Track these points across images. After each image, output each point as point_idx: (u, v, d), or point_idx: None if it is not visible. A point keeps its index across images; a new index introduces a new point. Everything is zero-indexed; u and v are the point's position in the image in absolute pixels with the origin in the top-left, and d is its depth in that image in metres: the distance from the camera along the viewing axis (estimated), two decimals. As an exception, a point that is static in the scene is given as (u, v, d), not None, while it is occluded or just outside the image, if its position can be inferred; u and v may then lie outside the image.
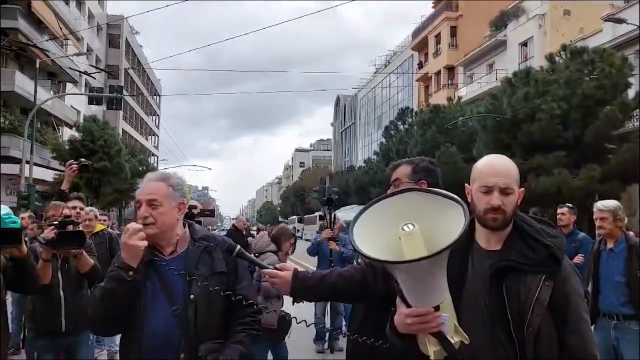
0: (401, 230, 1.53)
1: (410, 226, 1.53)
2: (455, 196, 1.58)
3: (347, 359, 2.61)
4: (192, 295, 2.11)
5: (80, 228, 3.84)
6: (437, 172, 2.49)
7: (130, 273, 2.05)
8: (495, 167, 1.80)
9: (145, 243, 2.07)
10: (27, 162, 20.93)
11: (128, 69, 46.30)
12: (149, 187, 2.19)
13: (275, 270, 2.19)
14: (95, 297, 2.13)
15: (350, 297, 2.48)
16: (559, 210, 6.03)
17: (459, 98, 31.36)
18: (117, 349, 5.90)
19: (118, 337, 2.29)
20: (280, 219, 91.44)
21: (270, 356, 4.94)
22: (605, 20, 20.59)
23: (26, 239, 3.29)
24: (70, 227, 3.25)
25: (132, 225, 2.09)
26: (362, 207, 1.70)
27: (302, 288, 2.19)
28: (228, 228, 15.15)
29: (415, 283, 1.56)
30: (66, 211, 3.82)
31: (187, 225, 2.31)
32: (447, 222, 1.51)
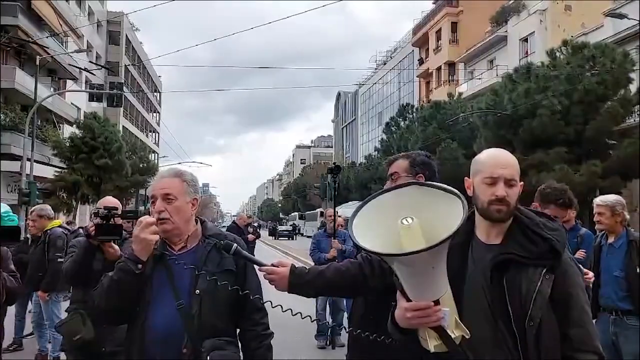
0: (400, 224, 1.53)
1: (409, 219, 1.53)
2: (454, 189, 1.59)
3: (348, 353, 2.62)
4: (197, 291, 2.11)
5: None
6: (434, 165, 2.50)
7: (139, 266, 2.06)
8: (499, 158, 1.82)
9: (156, 237, 2.08)
10: (28, 160, 20.91)
11: (128, 65, 46.26)
12: (164, 183, 2.22)
13: (272, 267, 2.20)
14: (103, 287, 2.13)
15: (347, 291, 2.49)
16: (560, 206, 6.02)
17: (460, 94, 31.34)
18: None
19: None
20: (281, 215, 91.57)
21: None
22: (606, 16, 20.55)
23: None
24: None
25: (145, 219, 2.09)
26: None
27: (299, 284, 2.19)
28: (228, 225, 15.14)
29: (414, 276, 1.56)
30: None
31: (199, 222, 2.31)
32: (446, 215, 1.52)
